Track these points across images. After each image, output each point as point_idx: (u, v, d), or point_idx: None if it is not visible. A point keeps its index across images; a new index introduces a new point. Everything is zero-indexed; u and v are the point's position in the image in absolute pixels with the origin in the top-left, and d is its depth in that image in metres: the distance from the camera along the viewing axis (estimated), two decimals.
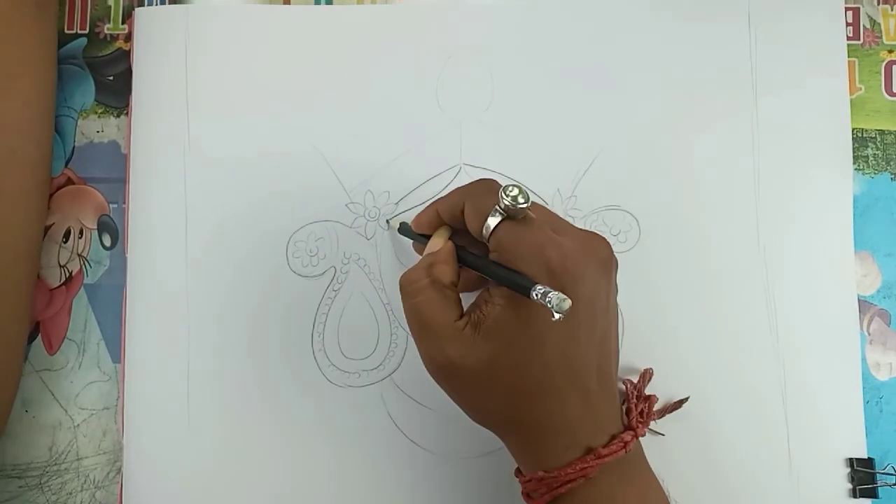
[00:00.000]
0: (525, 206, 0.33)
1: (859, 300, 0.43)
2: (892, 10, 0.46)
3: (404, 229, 0.41)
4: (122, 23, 0.46)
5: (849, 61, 0.45)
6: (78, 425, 0.43)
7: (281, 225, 0.44)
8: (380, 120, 0.44)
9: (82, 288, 0.44)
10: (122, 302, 0.43)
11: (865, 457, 0.42)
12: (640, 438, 0.36)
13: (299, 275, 0.43)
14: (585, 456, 0.33)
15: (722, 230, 0.43)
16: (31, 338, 0.44)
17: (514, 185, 0.33)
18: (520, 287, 0.32)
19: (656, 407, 0.41)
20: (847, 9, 0.45)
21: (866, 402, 0.42)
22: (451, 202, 0.37)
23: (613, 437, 0.34)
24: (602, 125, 0.44)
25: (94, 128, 0.45)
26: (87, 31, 0.46)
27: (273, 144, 0.44)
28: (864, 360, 0.43)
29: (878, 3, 0.46)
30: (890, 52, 0.46)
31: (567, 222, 0.36)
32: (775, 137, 0.44)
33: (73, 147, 0.45)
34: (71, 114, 0.45)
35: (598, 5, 0.45)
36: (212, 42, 0.45)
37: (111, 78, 0.46)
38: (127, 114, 0.45)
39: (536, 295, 0.31)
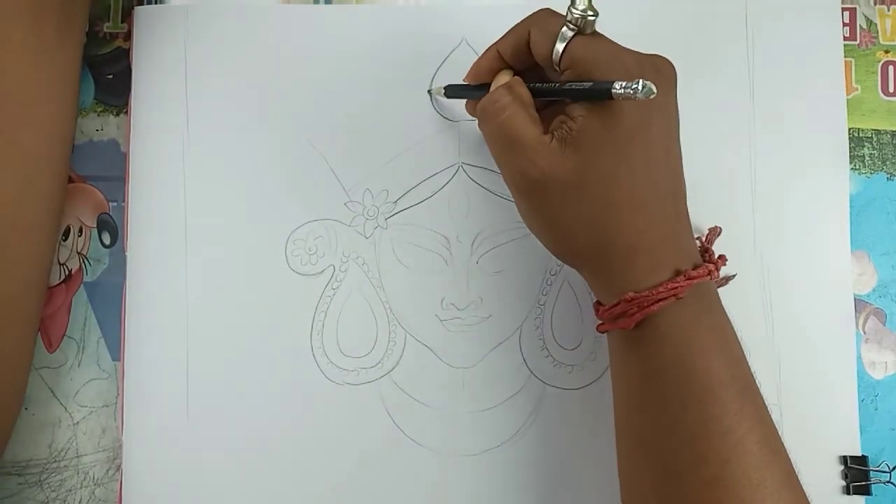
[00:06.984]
0: (595, 17, 0.34)
1: (855, 299, 0.44)
2: (888, 10, 0.46)
3: (452, 91, 0.41)
4: (122, 21, 0.46)
5: (845, 61, 0.45)
6: (77, 423, 0.43)
7: (280, 223, 0.44)
8: (378, 119, 0.44)
9: (82, 286, 0.44)
10: (122, 300, 0.43)
11: (859, 454, 0.42)
12: None
13: (298, 273, 0.44)
14: (675, 277, 0.34)
15: None
16: None
17: None
18: (601, 91, 0.32)
19: None
20: (844, 9, 0.45)
21: (861, 401, 0.43)
22: (513, 36, 0.37)
23: (696, 266, 0.35)
24: None
25: (93, 126, 0.45)
26: (86, 30, 0.46)
27: (272, 143, 0.44)
28: (859, 358, 0.43)
29: (875, 4, 0.46)
30: (886, 52, 0.46)
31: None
32: (772, 137, 0.44)
33: (73, 145, 0.45)
34: None
35: (596, 6, 0.45)
36: (211, 41, 0.45)
37: (111, 76, 0.46)
38: (126, 112, 0.45)
39: (619, 88, 0.31)
